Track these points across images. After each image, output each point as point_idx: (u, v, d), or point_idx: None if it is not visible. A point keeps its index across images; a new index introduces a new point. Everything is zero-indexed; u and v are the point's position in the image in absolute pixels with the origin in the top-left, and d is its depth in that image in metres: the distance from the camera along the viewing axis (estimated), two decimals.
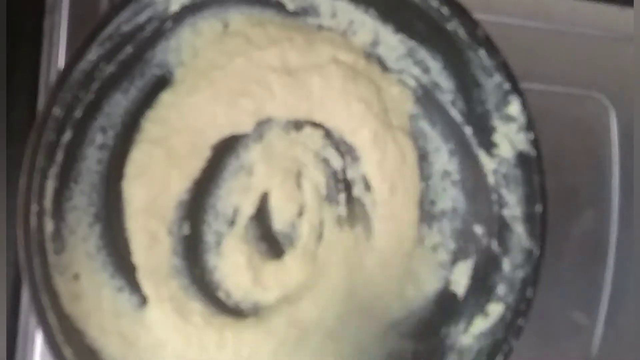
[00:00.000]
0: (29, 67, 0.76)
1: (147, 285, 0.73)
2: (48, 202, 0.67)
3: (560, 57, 0.90)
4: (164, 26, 0.73)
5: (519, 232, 0.75)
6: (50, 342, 0.64)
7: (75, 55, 0.64)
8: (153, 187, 0.73)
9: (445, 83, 0.79)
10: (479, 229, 0.79)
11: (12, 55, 0.69)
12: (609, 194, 0.90)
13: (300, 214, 0.79)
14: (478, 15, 0.72)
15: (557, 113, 0.88)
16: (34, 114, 0.76)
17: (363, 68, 0.79)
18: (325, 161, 0.80)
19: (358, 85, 0.78)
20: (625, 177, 0.90)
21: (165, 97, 0.74)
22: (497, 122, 0.76)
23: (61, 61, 0.76)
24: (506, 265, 0.76)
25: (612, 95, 0.91)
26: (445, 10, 0.72)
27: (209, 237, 0.76)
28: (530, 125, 0.73)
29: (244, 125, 0.76)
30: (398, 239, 0.80)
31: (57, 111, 0.64)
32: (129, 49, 0.71)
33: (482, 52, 0.73)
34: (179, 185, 0.75)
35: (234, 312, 0.76)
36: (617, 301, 0.89)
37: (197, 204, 0.75)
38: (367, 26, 0.78)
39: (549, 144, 0.73)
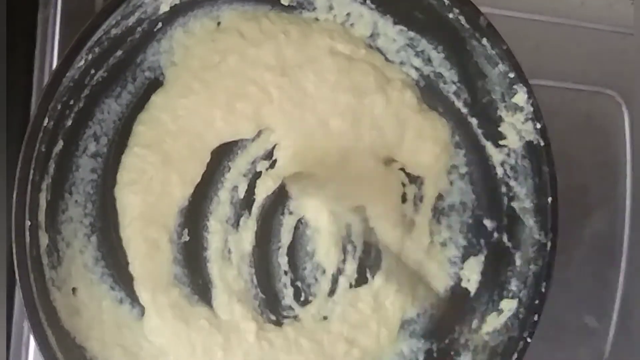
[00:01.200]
0: (26, 64, 0.75)
1: (144, 295, 0.71)
2: (42, 216, 0.65)
3: (570, 53, 0.89)
4: (155, 28, 0.71)
5: (530, 225, 0.74)
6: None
7: (63, 62, 0.61)
8: (150, 193, 0.71)
9: (448, 74, 0.77)
10: (488, 223, 0.78)
11: (10, 53, 0.67)
12: (621, 193, 0.89)
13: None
14: (485, 9, 0.71)
15: (568, 110, 0.87)
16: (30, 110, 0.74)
17: (363, 57, 0.77)
18: None
19: (352, 75, 0.76)
20: (637, 176, 0.89)
21: (157, 99, 0.72)
22: (503, 112, 0.74)
23: (55, 57, 0.74)
24: (518, 259, 0.75)
25: (624, 92, 0.90)
26: None
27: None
28: (537, 114, 0.72)
29: (245, 131, 0.74)
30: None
31: (47, 122, 0.61)
32: (119, 53, 0.69)
33: (485, 41, 0.71)
34: (181, 191, 0.73)
35: None
36: (629, 304, 0.88)
37: (196, 209, 0.73)
38: (365, 18, 0.76)
39: (559, 141, 0.72)
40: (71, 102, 0.66)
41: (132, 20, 0.67)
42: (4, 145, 0.65)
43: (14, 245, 0.61)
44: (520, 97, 0.72)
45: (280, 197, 0.76)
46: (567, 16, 0.89)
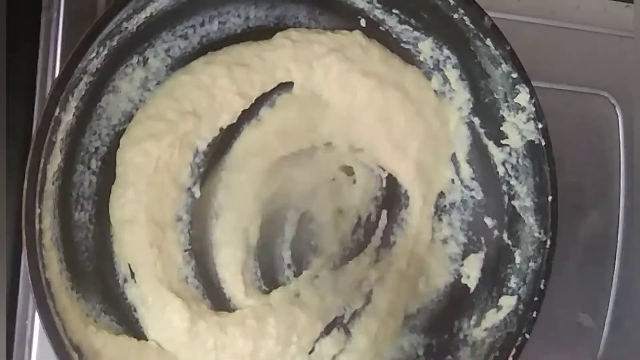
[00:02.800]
0: (27, 66, 0.75)
1: (146, 289, 0.71)
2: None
3: (566, 55, 0.89)
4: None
5: (530, 224, 0.75)
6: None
7: (76, 52, 0.62)
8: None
9: (451, 73, 0.78)
10: (489, 221, 0.79)
11: (11, 53, 0.67)
12: (615, 193, 0.90)
13: None
14: None
15: (563, 112, 0.87)
16: (33, 112, 0.74)
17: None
18: None
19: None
20: (631, 177, 0.89)
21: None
22: (505, 112, 0.75)
23: (58, 59, 0.74)
24: (518, 257, 0.76)
25: (618, 94, 0.90)
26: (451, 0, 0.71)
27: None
28: (539, 114, 0.73)
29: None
30: None
31: (58, 112, 0.62)
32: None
33: (489, 41, 0.72)
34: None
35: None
36: (623, 303, 0.89)
37: (201, 201, 0.74)
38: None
39: (554, 142, 0.73)
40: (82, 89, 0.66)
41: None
42: (4, 146, 0.65)
43: (23, 233, 0.61)
44: (523, 97, 0.73)
45: None
46: (562, 19, 0.90)
